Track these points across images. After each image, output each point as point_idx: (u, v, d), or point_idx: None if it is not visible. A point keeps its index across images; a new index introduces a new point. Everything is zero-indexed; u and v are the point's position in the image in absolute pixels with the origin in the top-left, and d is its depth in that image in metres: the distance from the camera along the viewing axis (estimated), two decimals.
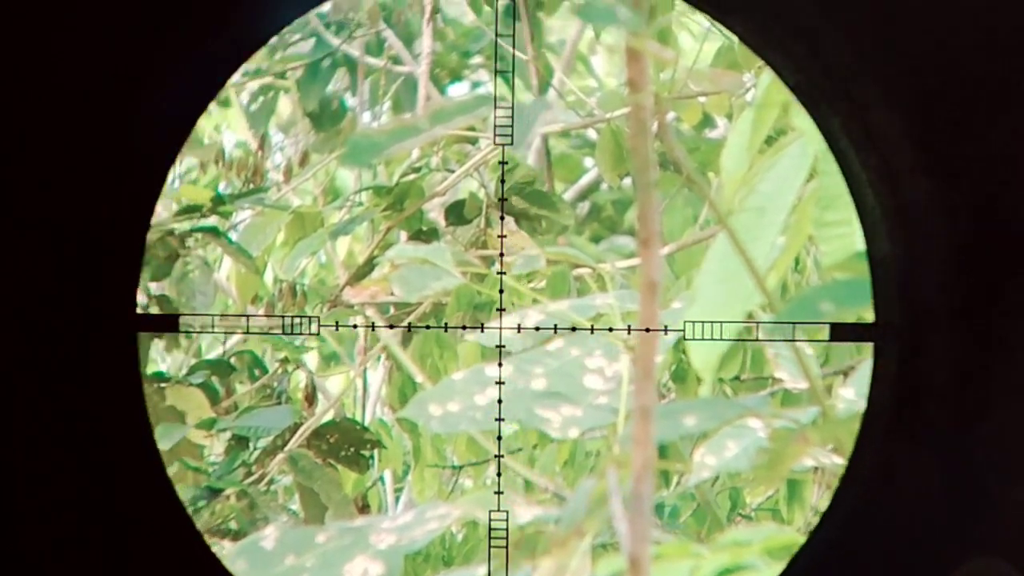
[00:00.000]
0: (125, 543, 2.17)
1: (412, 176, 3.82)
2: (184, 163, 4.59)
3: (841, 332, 2.34)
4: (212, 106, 4.47)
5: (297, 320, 2.45)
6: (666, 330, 2.19)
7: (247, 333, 3.39)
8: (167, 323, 2.39)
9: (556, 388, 2.86)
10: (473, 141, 3.79)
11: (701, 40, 4.22)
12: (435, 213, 3.98)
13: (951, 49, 2.16)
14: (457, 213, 3.79)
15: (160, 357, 4.22)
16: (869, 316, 2.24)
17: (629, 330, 2.66)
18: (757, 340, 2.57)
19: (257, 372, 3.87)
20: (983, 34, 2.16)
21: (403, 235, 3.88)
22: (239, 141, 4.81)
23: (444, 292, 3.46)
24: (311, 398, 3.96)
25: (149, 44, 2.14)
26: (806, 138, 2.50)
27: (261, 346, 3.96)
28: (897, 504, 2.17)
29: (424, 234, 3.81)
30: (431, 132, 1.81)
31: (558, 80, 4.57)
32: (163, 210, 3.74)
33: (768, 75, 2.27)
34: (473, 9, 4.57)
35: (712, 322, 2.42)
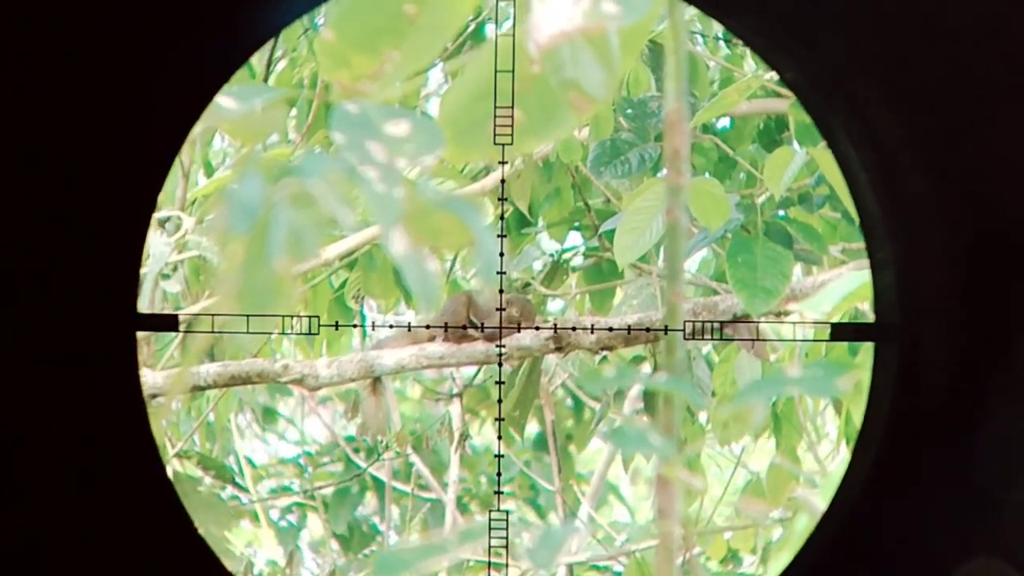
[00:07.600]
0: (125, 543, 2.18)
1: None
2: None
3: (841, 332, 2.34)
4: (245, 523, 4.49)
5: (297, 320, 2.45)
6: (666, 330, 2.18)
7: (247, 333, 3.39)
8: (167, 323, 2.38)
9: None
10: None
11: (731, 469, 4.26)
12: None
13: (951, 49, 2.16)
14: None
15: None
16: None
17: (629, 330, 2.66)
18: (757, 339, 2.57)
19: None
20: (983, 33, 2.16)
21: None
22: (269, 559, 4.86)
23: None
24: None
25: (149, 43, 2.14)
26: None
27: None
28: (897, 504, 2.17)
29: None
30: (459, 551, 1.84)
31: (586, 513, 4.59)
32: None
33: (802, 517, 2.22)
34: (504, 440, 4.59)
35: (712, 321, 2.42)
